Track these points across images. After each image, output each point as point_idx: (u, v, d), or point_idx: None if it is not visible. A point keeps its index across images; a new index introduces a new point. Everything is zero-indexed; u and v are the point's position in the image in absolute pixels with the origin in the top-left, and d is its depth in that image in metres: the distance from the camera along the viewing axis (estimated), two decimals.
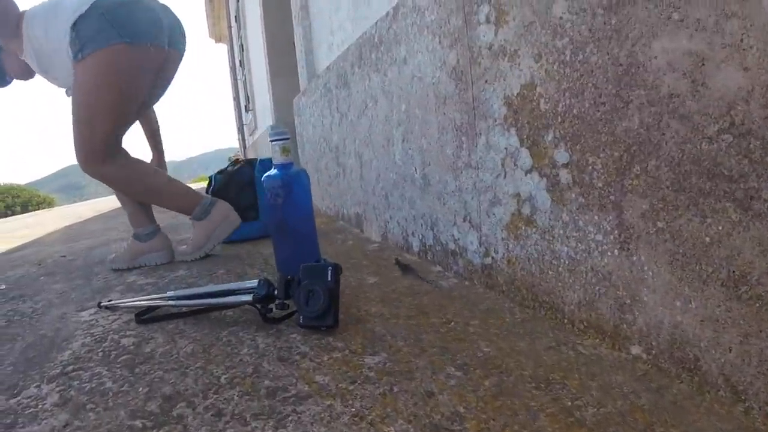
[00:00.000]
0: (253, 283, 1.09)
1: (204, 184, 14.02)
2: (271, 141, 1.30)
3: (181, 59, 1.98)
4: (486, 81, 1.06)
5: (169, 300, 1.24)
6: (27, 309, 1.57)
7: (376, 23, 1.62)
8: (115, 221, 4.54)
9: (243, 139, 9.78)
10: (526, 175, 0.98)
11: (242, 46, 7.90)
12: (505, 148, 1.02)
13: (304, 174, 1.35)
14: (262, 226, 2.29)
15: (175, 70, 2.00)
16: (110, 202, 9.53)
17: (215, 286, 1.25)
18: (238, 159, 2.51)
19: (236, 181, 2.32)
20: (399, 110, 1.53)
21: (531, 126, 0.94)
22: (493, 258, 1.15)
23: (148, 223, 2.03)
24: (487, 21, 1.02)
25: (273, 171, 1.32)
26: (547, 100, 0.87)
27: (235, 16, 8.94)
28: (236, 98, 11.33)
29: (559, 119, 0.84)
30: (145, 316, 1.23)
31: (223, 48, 14.35)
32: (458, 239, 1.30)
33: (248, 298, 1.07)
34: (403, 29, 1.43)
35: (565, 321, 0.93)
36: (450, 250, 1.35)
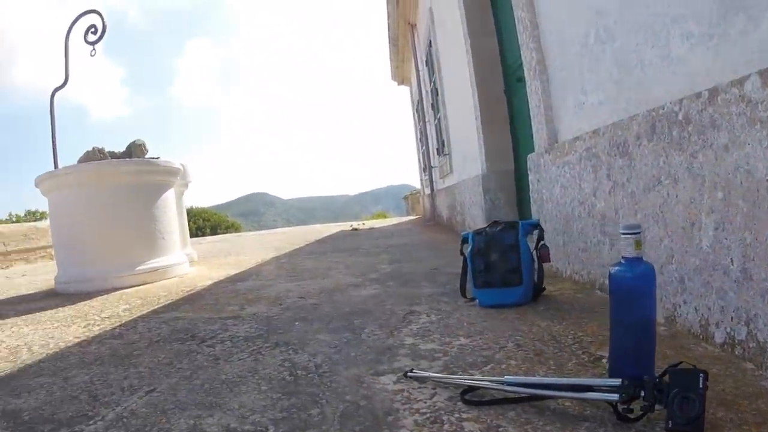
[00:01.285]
0: (615, 381, 1.15)
1: (383, 221, 14.60)
2: (624, 234, 1.33)
3: None
4: None
5: (503, 384, 1.32)
6: (305, 362, 1.76)
7: (680, 101, 1.66)
8: (325, 258, 4.97)
9: (431, 181, 10.16)
10: None
11: (436, 90, 8.25)
12: None
13: (653, 268, 1.39)
14: (525, 291, 2.36)
15: None
16: (294, 231, 10.37)
17: (561, 379, 1.33)
18: (497, 221, 2.62)
19: (498, 242, 2.43)
20: (713, 197, 1.54)
21: None
22: None
23: None
24: None
25: (625, 264, 1.34)
26: None
27: (426, 60, 9.40)
28: (422, 140, 11.78)
29: None
30: (475, 399, 1.31)
31: (404, 90, 15.13)
32: None
33: (614, 396, 1.14)
34: (724, 116, 1.45)
35: None
36: None
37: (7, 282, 6.72)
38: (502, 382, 1.34)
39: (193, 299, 3.30)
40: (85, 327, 2.77)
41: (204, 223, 23.91)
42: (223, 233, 19.67)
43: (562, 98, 2.94)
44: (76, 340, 2.47)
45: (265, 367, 1.77)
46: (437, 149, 9.16)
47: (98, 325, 2.78)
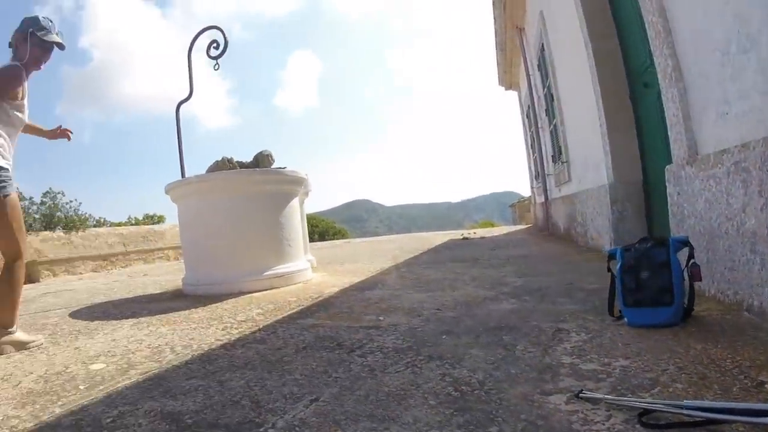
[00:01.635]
0: None
1: (492, 230, 14.47)
2: None
3: None
4: None
5: (681, 408, 1.29)
6: (466, 378, 1.76)
7: None
8: (446, 268, 4.95)
9: (545, 189, 9.94)
10: None
11: (551, 95, 8.09)
12: None
13: None
14: (676, 311, 2.26)
15: None
16: (402, 239, 10.47)
17: (740, 403, 1.28)
18: (645, 237, 2.55)
19: (649, 259, 2.35)
20: None
21: None
22: None
23: None
24: None
25: None
26: None
27: (537, 65, 9.23)
28: (533, 146, 11.57)
29: None
30: (652, 421, 1.28)
31: (512, 95, 14.93)
32: None
33: None
34: None
35: None
36: None
37: (131, 281, 7.21)
38: (680, 406, 1.31)
39: (325, 306, 3.39)
40: (223, 330, 2.92)
41: (312, 230, 24.52)
42: (331, 239, 20.13)
43: (702, 107, 2.81)
44: (219, 343, 2.60)
45: (426, 380, 1.78)
46: (552, 156, 8.95)
47: (236, 329, 2.91)
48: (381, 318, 2.87)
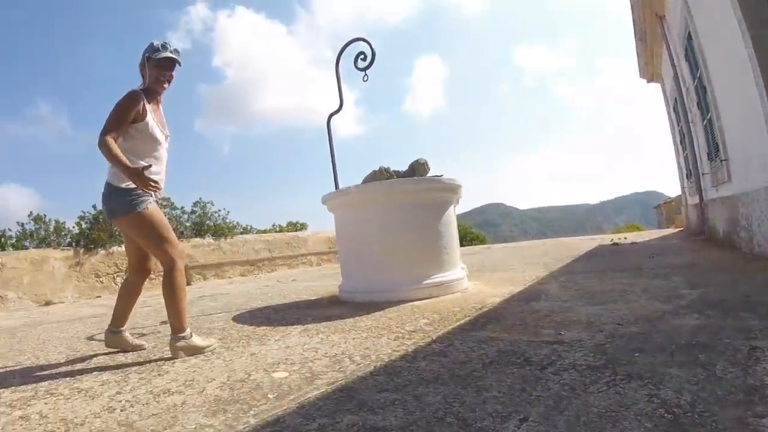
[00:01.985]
0: None
1: (641, 234, 13.79)
2: None
3: None
4: None
5: None
6: (673, 399, 1.65)
7: None
8: (607, 278, 4.67)
9: (699, 189, 9.30)
10: None
11: (703, 87, 7.57)
12: None
13: None
14: None
15: None
16: (543, 245, 10.00)
17: None
18: None
19: None
20: None
21: None
22: None
23: None
24: None
25: None
26: None
27: (684, 55, 8.65)
28: (683, 142, 10.91)
29: None
30: None
31: (656, 87, 14.13)
32: None
33: None
34: None
35: None
36: None
37: (282, 286, 7.49)
38: None
39: (494, 318, 3.30)
40: (395, 340, 2.90)
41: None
42: (468, 245, 19.99)
43: None
44: (397, 354, 2.58)
45: (633, 401, 1.67)
46: (708, 153, 8.30)
47: (408, 339, 2.89)
48: (561, 333, 2.72)
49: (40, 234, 10.03)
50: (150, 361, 3.05)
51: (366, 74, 5.35)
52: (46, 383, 2.77)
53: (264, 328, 3.75)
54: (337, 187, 5.31)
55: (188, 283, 10.23)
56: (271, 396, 2.12)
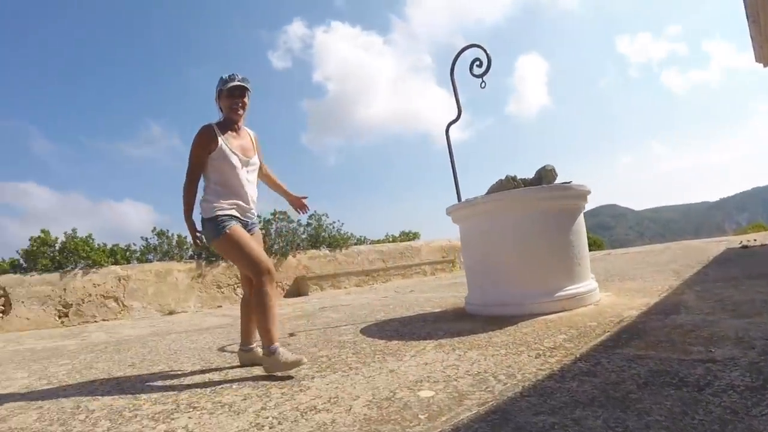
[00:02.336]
0: None
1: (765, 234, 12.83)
2: None
3: None
4: None
5: None
6: None
7: None
8: (753, 288, 4.18)
9: None
10: None
11: None
12: None
13: None
14: None
15: None
16: (667, 249, 9.25)
17: None
18: None
19: None
20: None
21: None
22: None
23: None
24: None
25: None
26: None
27: None
28: None
29: None
30: None
31: None
32: None
33: None
34: None
35: None
36: None
37: (401, 297, 7.51)
38: None
39: (636, 334, 3.12)
40: (537, 357, 2.79)
41: None
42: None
43: None
44: (543, 373, 2.47)
45: None
46: None
47: (551, 357, 2.77)
48: (711, 350, 2.52)
49: (163, 247, 10.68)
50: (284, 373, 3.11)
51: (483, 81, 5.30)
52: (185, 395, 2.87)
53: (396, 342, 3.73)
54: (459, 197, 5.26)
55: (305, 293, 10.58)
56: (422, 416, 2.08)
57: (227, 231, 3.24)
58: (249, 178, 3.47)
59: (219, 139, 3.33)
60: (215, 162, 3.32)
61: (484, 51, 5.29)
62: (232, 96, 3.39)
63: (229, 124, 3.45)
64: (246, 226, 3.44)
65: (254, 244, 3.33)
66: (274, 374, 3.11)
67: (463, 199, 5.02)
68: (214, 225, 3.25)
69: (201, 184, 3.40)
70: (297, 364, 3.09)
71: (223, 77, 3.39)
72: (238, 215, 3.38)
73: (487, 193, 4.71)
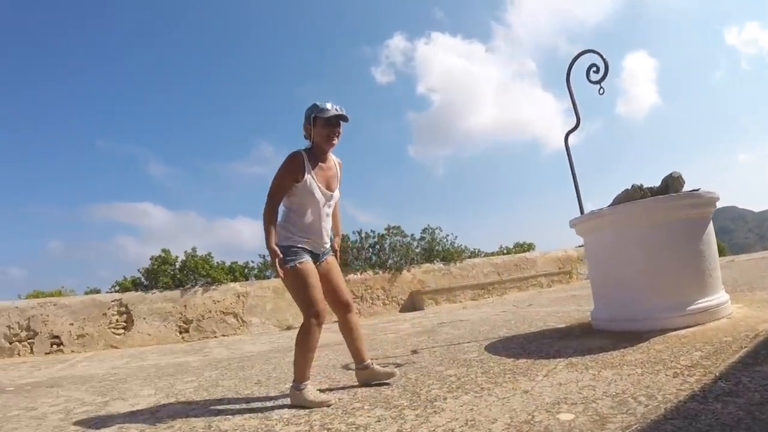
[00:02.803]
0: None
1: None
2: None
3: None
4: None
5: None
6: None
7: None
8: None
9: None
10: None
11: None
12: None
13: None
14: None
15: None
16: None
17: None
18: None
19: None
20: None
21: None
22: None
23: None
24: None
25: None
26: None
27: None
28: None
29: None
30: None
31: None
32: None
33: None
34: None
35: None
36: None
37: (521, 312, 7.39)
38: None
39: None
40: (675, 377, 2.71)
41: None
42: None
43: None
44: (684, 394, 2.41)
45: None
46: None
47: (690, 376, 2.69)
48: None
49: None
50: (414, 393, 3.16)
51: (602, 87, 5.22)
52: (317, 416, 2.95)
53: (524, 360, 3.72)
54: (581, 208, 5.18)
55: (420, 308, 10.70)
56: None
57: (297, 265, 3.32)
58: (328, 212, 3.54)
59: (307, 170, 3.39)
60: (299, 192, 3.39)
61: (600, 56, 5.19)
62: (329, 125, 3.41)
63: (318, 154, 3.49)
64: (318, 257, 3.51)
65: (318, 283, 3.40)
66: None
67: (585, 211, 4.96)
68: (285, 254, 3.30)
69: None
70: (323, 404, 3.19)
71: (318, 104, 3.41)
72: (310, 249, 3.44)
73: (612, 204, 4.61)
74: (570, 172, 5.31)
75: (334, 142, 3.48)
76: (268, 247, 3.26)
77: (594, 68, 5.26)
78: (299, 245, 3.38)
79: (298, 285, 3.33)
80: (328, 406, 3.17)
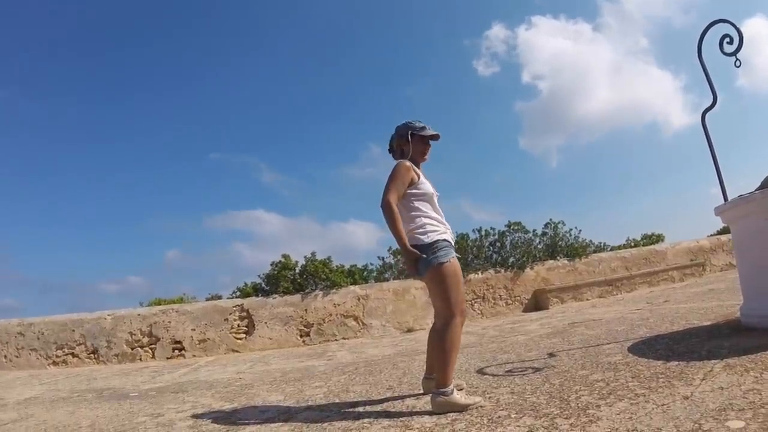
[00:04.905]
0: None
1: None
2: None
3: None
4: None
5: None
6: None
7: None
8: None
9: None
10: None
11: None
12: None
13: None
14: None
15: None
16: None
17: None
18: None
19: None
20: None
21: None
22: None
23: None
24: None
25: None
26: None
27: None
28: None
29: None
30: None
31: None
32: None
33: None
34: None
35: None
36: None
37: (657, 309, 7.10)
38: None
39: None
40: None
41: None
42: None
43: None
44: None
45: None
46: None
47: None
48: None
49: (399, 266, 11.30)
50: (563, 400, 3.11)
51: (738, 59, 5.02)
52: (463, 426, 2.94)
53: (675, 363, 3.60)
54: (725, 195, 4.94)
55: (545, 307, 10.57)
56: None
57: (452, 259, 3.43)
58: (440, 209, 3.71)
59: (419, 172, 3.65)
60: (418, 193, 3.58)
61: (733, 25, 4.98)
62: (425, 142, 3.77)
63: (415, 166, 3.68)
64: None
65: (461, 283, 3.48)
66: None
67: (729, 198, 4.77)
68: (435, 251, 3.39)
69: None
70: (476, 405, 3.25)
71: (414, 123, 3.74)
72: (450, 241, 3.57)
73: (761, 187, 4.38)
74: (710, 156, 5.07)
75: (426, 158, 3.81)
76: (406, 249, 3.40)
77: (727, 39, 5.04)
78: (446, 238, 3.52)
79: (452, 282, 3.39)
80: (482, 406, 3.23)
